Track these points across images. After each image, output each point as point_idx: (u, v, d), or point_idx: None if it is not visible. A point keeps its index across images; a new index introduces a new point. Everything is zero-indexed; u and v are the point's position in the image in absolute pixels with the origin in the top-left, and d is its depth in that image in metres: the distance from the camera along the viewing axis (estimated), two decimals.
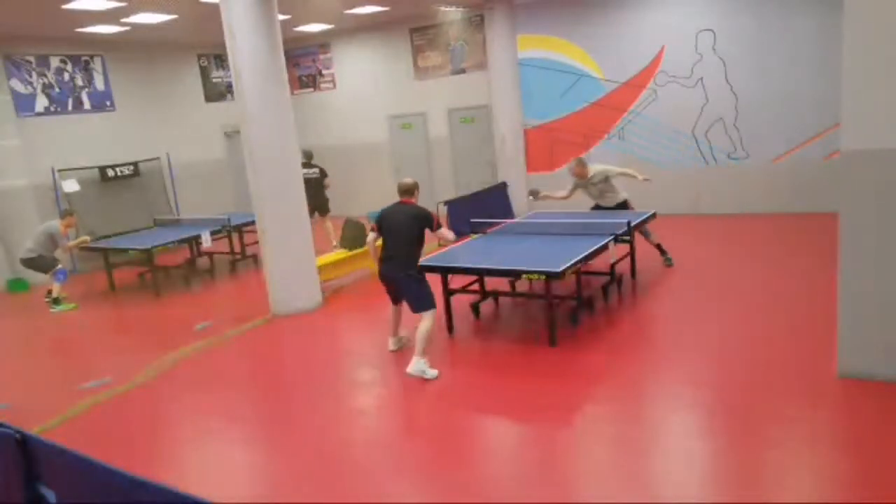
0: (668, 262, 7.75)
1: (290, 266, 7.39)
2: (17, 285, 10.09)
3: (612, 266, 6.79)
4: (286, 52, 7.39)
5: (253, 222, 7.91)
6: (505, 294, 6.84)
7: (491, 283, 6.80)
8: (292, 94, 9.83)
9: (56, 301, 8.72)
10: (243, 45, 6.90)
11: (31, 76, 10.60)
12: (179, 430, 5.03)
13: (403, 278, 5.44)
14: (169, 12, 9.53)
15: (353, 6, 10.92)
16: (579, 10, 11.01)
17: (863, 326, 4.42)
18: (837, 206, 4.39)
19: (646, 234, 7.61)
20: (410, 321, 5.78)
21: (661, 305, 6.60)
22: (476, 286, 6.68)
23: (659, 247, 7.72)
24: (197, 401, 5.49)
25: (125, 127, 11.84)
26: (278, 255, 7.35)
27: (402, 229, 5.42)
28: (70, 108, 11.13)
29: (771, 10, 9.57)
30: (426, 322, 5.33)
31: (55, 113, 10.92)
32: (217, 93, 13.59)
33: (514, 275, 6.20)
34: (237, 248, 10.16)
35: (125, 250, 9.15)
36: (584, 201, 8.08)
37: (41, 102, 10.74)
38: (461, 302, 6.62)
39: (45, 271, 8.83)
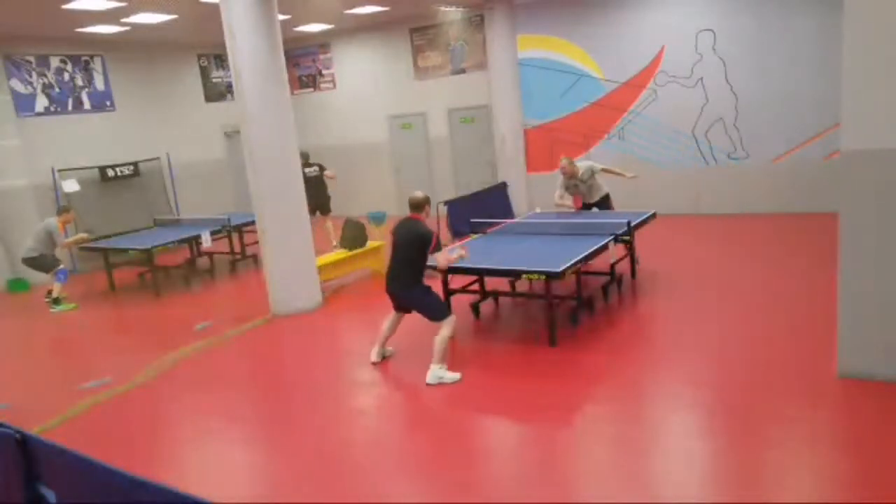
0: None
1: (290, 266, 7.39)
2: (17, 285, 10.09)
3: (612, 266, 6.79)
4: (286, 52, 7.39)
5: (253, 222, 7.91)
6: (505, 294, 6.84)
7: (491, 283, 6.80)
8: (292, 94, 9.84)
9: (56, 301, 8.72)
10: (243, 45, 6.90)
11: (31, 76, 10.60)
12: (179, 430, 5.03)
13: (406, 295, 5.39)
14: (169, 12, 9.53)
15: (353, 6, 10.92)
16: (579, 10, 11.01)
17: (863, 326, 4.42)
18: (837, 206, 4.39)
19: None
20: (407, 332, 5.77)
21: (661, 305, 6.60)
22: (476, 286, 6.68)
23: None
24: (197, 401, 5.49)
25: (125, 127, 11.84)
26: (278, 255, 7.35)
27: (403, 247, 5.34)
28: (70, 108, 11.13)
29: (771, 10, 9.57)
30: (444, 330, 5.22)
31: (55, 113, 10.92)
32: (217, 93, 13.59)
33: (514, 275, 6.20)
34: (237, 248, 10.16)
35: (125, 250, 9.15)
36: None
37: (41, 102, 10.74)
38: (461, 302, 6.61)
39: (46, 271, 8.83)
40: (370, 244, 8.85)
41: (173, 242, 9.22)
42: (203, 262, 10.25)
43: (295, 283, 7.45)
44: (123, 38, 11.24)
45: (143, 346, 6.94)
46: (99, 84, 11.55)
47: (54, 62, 10.93)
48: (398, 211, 13.28)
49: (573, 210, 7.85)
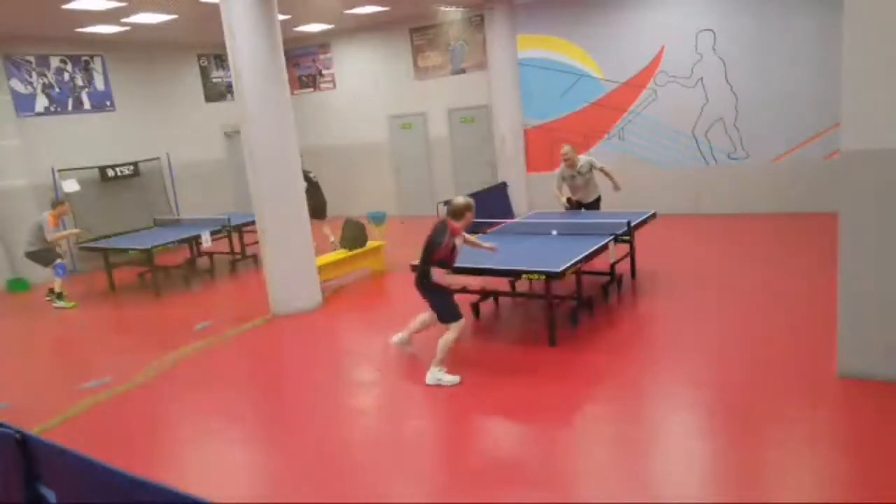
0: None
1: (290, 266, 7.39)
2: (17, 285, 10.09)
3: (612, 266, 6.78)
4: (286, 52, 7.39)
5: (253, 222, 7.91)
6: (505, 294, 6.83)
7: (491, 282, 6.79)
8: (292, 94, 9.84)
9: (59, 296, 8.73)
10: (243, 45, 6.90)
11: (31, 76, 10.60)
12: (179, 430, 5.03)
13: (422, 290, 5.32)
14: (169, 12, 9.53)
15: (353, 6, 10.92)
16: (579, 10, 11.01)
17: (863, 326, 4.42)
18: (837, 206, 4.39)
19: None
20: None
21: (661, 305, 6.60)
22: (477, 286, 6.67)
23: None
24: (197, 401, 5.49)
25: (125, 127, 11.84)
26: (278, 255, 7.35)
27: (425, 244, 5.28)
28: (70, 108, 11.13)
29: (771, 10, 9.57)
30: (450, 333, 5.17)
31: (55, 113, 10.92)
32: (217, 93, 13.59)
33: (514, 275, 6.20)
34: (237, 248, 10.17)
35: (125, 250, 9.15)
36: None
37: (41, 102, 10.74)
38: (461, 302, 6.59)
39: (45, 264, 8.84)
40: (370, 244, 8.86)
41: (173, 242, 9.22)
42: (203, 262, 10.25)
43: (295, 283, 7.45)
44: (123, 38, 11.24)
45: (143, 346, 6.94)
46: (99, 84, 11.55)
47: (54, 62, 10.93)
48: (398, 211, 13.30)
49: (566, 206, 7.84)
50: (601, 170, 7.77)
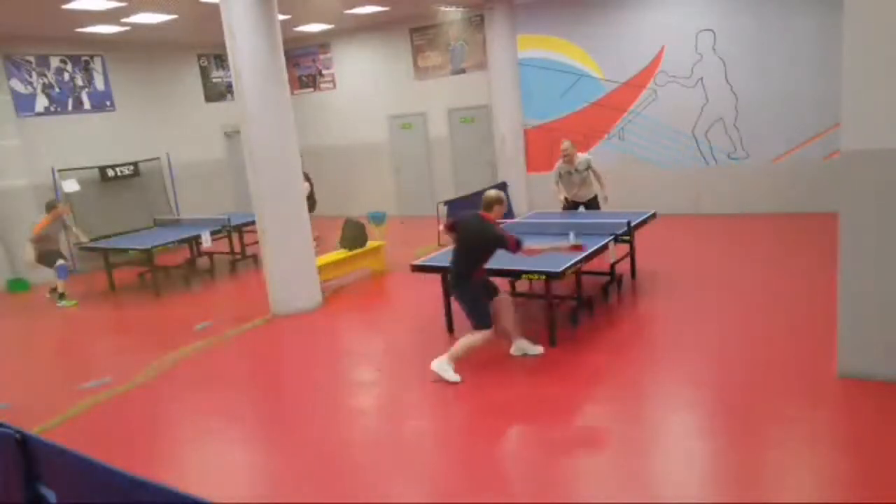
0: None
1: (290, 266, 7.39)
2: (17, 285, 10.09)
3: (612, 266, 6.78)
4: (286, 52, 7.39)
5: (253, 222, 7.91)
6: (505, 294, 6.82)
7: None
8: (292, 94, 9.84)
9: (62, 296, 8.74)
10: (243, 45, 6.90)
11: (31, 76, 10.60)
12: (179, 430, 5.03)
13: (457, 292, 5.27)
14: (169, 12, 9.53)
15: (353, 6, 10.92)
16: (579, 10, 11.01)
17: (863, 326, 4.42)
18: (837, 206, 4.39)
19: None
20: (410, 331, 5.76)
21: (661, 305, 6.60)
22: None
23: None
24: (197, 401, 5.49)
25: (125, 127, 11.84)
26: (278, 255, 7.35)
27: (465, 244, 5.19)
28: (70, 108, 11.13)
29: (771, 10, 9.57)
30: (477, 336, 5.11)
31: (55, 113, 10.92)
32: (217, 93, 13.59)
33: (514, 275, 6.20)
34: (237, 248, 10.17)
35: (125, 250, 9.16)
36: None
37: (41, 102, 10.74)
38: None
39: (48, 265, 8.85)
40: (370, 244, 8.86)
41: (173, 242, 9.22)
42: (203, 262, 10.25)
43: (295, 283, 7.45)
44: (123, 38, 11.24)
45: (143, 346, 6.94)
46: (99, 84, 11.55)
47: (54, 62, 10.93)
48: (398, 211, 13.30)
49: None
50: (595, 172, 7.77)
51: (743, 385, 4.66)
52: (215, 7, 7.18)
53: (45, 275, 9.67)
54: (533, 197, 11.69)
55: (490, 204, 5.19)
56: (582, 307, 6.29)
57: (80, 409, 5.33)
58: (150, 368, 6.12)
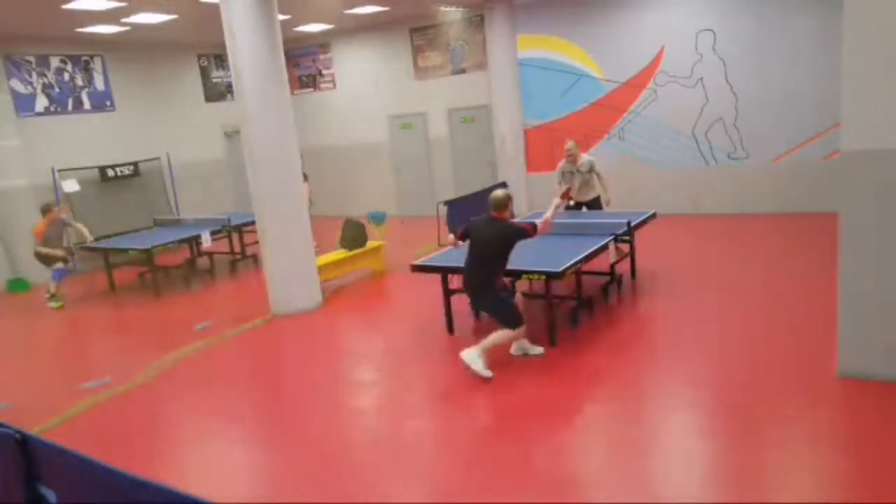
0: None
1: (290, 266, 7.39)
2: (17, 285, 10.09)
3: (612, 266, 6.78)
4: (286, 52, 7.39)
5: (253, 222, 7.91)
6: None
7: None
8: (292, 94, 9.84)
9: (52, 296, 8.75)
10: (243, 45, 6.90)
11: (31, 76, 10.60)
12: (179, 430, 5.03)
13: (480, 295, 5.25)
14: (169, 12, 9.53)
15: (353, 6, 10.92)
16: (579, 10, 11.01)
17: (863, 326, 4.42)
18: (837, 206, 4.39)
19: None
20: (409, 331, 5.76)
21: (661, 305, 6.60)
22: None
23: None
24: (197, 401, 5.49)
25: (125, 127, 11.84)
26: (278, 255, 7.35)
27: (481, 249, 5.14)
28: (70, 108, 11.13)
29: (771, 10, 9.57)
30: (509, 333, 5.13)
31: (55, 113, 10.92)
32: (217, 93, 13.59)
33: (514, 275, 6.20)
34: (237, 248, 10.16)
35: (125, 250, 9.15)
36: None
37: (41, 102, 10.74)
38: (461, 302, 6.60)
39: (47, 265, 8.84)
40: (370, 244, 8.86)
41: (173, 242, 9.22)
42: (203, 262, 10.25)
43: (295, 283, 7.45)
44: (123, 38, 11.24)
45: (143, 346, 6.94)
46: (99, 84, 11.55)
47: (54, 62, 10.93)
48: (398, 211, 13.30)
49: (561, 202, 7.83)
50: (598, 175, 7.78)
51: (743, 385, 4.66)
52: (215, 7, 7.18)
53: (46, 274, 9.68)
54: (533, 197, 11.68)
55: (503, 204, 5.22)
56: (582, 307, 6.29)
57: (80, 409, 5.33)
58: (150, 368, 6.12)
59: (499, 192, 5.29)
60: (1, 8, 8.24)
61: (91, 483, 1.96)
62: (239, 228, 9.98)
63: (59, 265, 8.82)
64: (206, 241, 9.28)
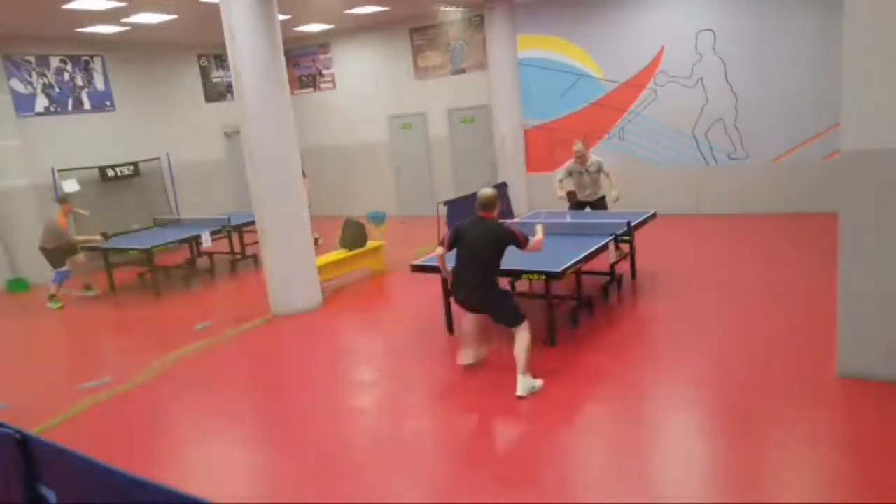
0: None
1: (290, 266, 7.39)
2: (17, 285, 10.09)
3: (612, 266, 6.78)
4: (286, 52, 7.39)
5: (253, 222, 7.91)
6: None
7: None
8: (292, 94, 9.85)
9: (52, 297, 8.74)
10: (243, 45, 6.90)
11: (31, 76, 10.60)
12: (179, 430, 5.03)
13: (482, 301, 4.99)
14: (169, 12, 9.53)
15: (353, 6, 10.92)
16: (579, 10, 11.01)
17: (863, 326, 4.42)
18: (837, 206, 4.39)
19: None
20: (409, 330, 5.76)
21: (661, 305, 6.60)
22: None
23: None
24: (197, 401, 5.49)
25: (125, 127, 11.84)
26: (278, 255, 7.35)
27: (477, 252, 4.88)
28: (70, 108, 11.13)
29: (771, 10, 9.57)
30: (524, 336, 4.88)
31: (55, 113, 10.92)
32: (217, 93, 13.59)
33: (514, 275, 6.20)
34: (237, 248, 10.17)
35: (125, 250, 9.15)
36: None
37: (41, 102, 10.74)
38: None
39: (54, 266, 8.78)
40: (370, 244, 8.86)
41: (173, 242, 9.22)
42: (203, 262, 10.25)
43: (295, 283, 7.45)
44: (123, 38, 11.24)
45: (143, 346, 6.94)
46: (99, 84, 11.55)
47: (54, 62, 10.93)
48: (398, 211, 13.30)
49: (564, 198, 7.85)
50: (607, 175, 7.76)
51: (743, 385, 4.66)
52: (215, 7, 7.18)
53: (45, 274, 9.66)
54: (533, 197, 11.69)
55: (492, 203, 4.99)
56: (582, 307, 6.29)
57: (80, 409, 5.33)
58: (150, 368, 6.12)
59: (487, 191, 5.07)
60: (1, 8, 8.24)
61: (91, 483, 1.96)
62: (239, 228, 9.98)
63: (64, 268, 8.78)
64: (206, 241, 9.28)
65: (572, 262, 5.58)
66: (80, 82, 11.27)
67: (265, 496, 3.93)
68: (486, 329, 5.36)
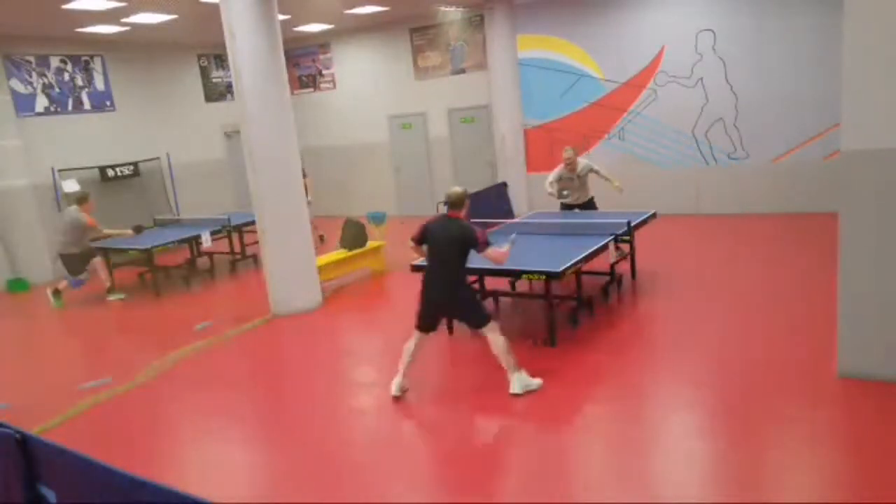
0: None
1: (290, 266, 7.39)
2: (17, 285, 10.09)
3: (612, 266, 6.78)
4: (286, 52, 7.39)
5: (253, 222, 7.91)
6: (505, 294, 6.83)
7: (491, 282, 6.79)
8: (292, 94, 9.84)
9: (57, 293, 8.69)
10: (243, 45, 6.90)
11: (31, 76, 10.60)
12: (179, 430, 5.03)
13: (451, 301, 4.93)
14: (169, 12, 9.53)
15: (353, 6, 10.92)
16: (579, 10, 11.01)
17: (863, 326, 4.42)
18: (837, 206, 4.39)
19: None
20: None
21: (661, 305, 6.60)
22: (476, 286, 6.67)
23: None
24: (197, 401, 5.49)
25: (125, 127, 11.84)
26: (278, 255, 7.35)
27: (443, 250, 4.88)
28: (70, 108, 11.13)
29: (771, 10, 9.57)
30: (494, 339, 4.84)
31: (55, 113, 10.92)
32: (217, 93, 13.59)
33: (514, 275, 6.20)
34: (237, 248, 10.16)
35: (125, 250, 9.14)
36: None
37: (41, 102, 10.74)
38: None
39: (73, 273, 8.71)
40: (370, 244, 8.86)
41: (173, 242, 9.21)
42: (203, 262, 10.24)
43: (295, 283, 7.45)
44: (123, 38, 11.24)
45: (143, 346, 6.94)
46: (99, 84, 11.55)
47: (54, 62, 10.93)
48: (398, 211, 13.30)
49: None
50: (598, 173, 7.78)
51: (743, 385, 4.66)
52: (215, 7, 7.18)
53: (45, 274, 9.70)
54: (533, 197, 11.68)
55: (459, 202, 5.00)
56: (582, 307, 6.29)
57: (80, 409, 5.33)
58: (150, 368, 6.12)
59: (456, 189, 5.06)
60: (1, 8, 8.24)
61: (91, 483, 1.96)
62: (239, 228, 9.98)
63: (83, 276, 8.76)
64: (206, 241, 9.27)
65: (572, 262, 5.58)
66: (80, 82, 11.26)
67: (265, 496, 3.93)
68: (420, 359, 5.24)
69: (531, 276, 5.61)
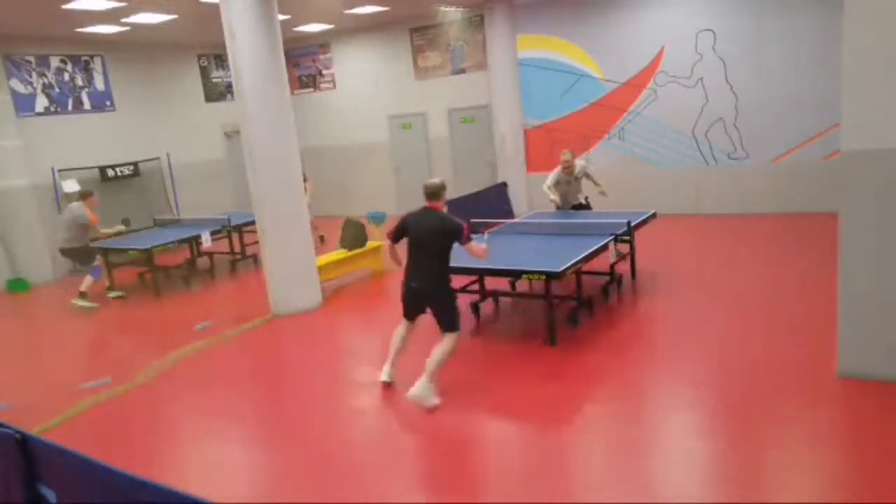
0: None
1: (290, 266, 7.39)
2: (17, 285, 10.09)
3: (612, 266, 6.78)
4: (286, 52, 7.39)
5: (253, 222, 7.91)
6: (505, 294, 6.83)
7: (491, 282, 6.80)
8: (292, 94, 9.85)
9: (83, 295, 8.64)
10: (243, 45, 6.90)
11: (31, 76, 10.60)
12: (179, 430, 5.03)
13: (432, 292, 4.89)
14: (169, 12, 9.53)
15: (353, 6, 10.92)
16: (579, 10, 11.02)
17: (863, 326, 4.42)
18: (837, 206, 4.39)
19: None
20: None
21: (661, 305, 6.60)
22: (476, 286, 6.68)
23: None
24: (197, 401, 5.49)
25: (125, 127, 11.85)
26: (278, 255, 7.35)
27: (426, 242, 4.80)
28: (70, 108, 11.13)
29: (771, 10, 9.57)
30: (448, 343, 4.82)
31: (55, 113, 10.92)
32: (217, 93, 13.59)
33: (514, 275, 6.20)
34: (237, 248, 10.16)
35: (125, 250, 9.15)
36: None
37: (41, 102, 10.74)
38: (461, 302, 6.58)
39: (83, 263, 8.71)
40: (370, 244, 8.86)
41: (173, 242, 9.21)
42: (203, 262, 10.24)
43: (295, 283, 7.45)
44: (123, 38, 11.24)
45: (143, 346, 6.94)
46: (99, 84, 11.55)
47: (54, 62, 10.93)
48: (398, 210, 13.27)
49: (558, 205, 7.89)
50: (589, 176, 7.86)
51: (743, 385, 4.66)
52: (215, 7, 7.18)
53: (45, 274, 9.69)
54: (533, 197, 11.69)
55: (438, 192, 4.98)
56: (582, 307, 6.29)
57: (80, 409, 5.33)
58: (150, 368, 6.12)
59: (434, 180, 5.07)
60: (1, 8, 8.24)
61: (91, 483, 1.96)
62: (239, 228, 9.98)
63: (97, 263, 8.75)
64: (206, 241, 9.27)
65: (572, 262, 5.58)
66: (80, 82, 11.26)
67: (265, 496, 3.93)
68: (406, 349, 5.27)
69: (531, 276, 5.61)
